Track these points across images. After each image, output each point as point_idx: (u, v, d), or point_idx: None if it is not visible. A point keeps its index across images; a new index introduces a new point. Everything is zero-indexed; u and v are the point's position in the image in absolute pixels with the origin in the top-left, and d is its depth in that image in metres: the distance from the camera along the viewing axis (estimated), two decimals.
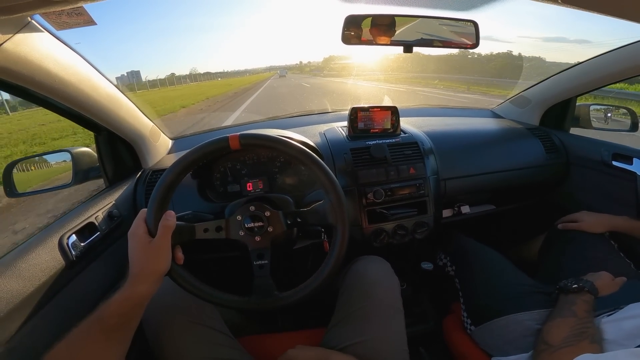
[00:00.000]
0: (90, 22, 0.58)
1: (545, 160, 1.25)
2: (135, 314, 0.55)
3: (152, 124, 1.08)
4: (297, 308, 0.70)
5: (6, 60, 0.55)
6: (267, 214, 0.69)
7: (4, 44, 0.52)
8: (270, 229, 0.69)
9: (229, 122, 8.00)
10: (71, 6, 0.46)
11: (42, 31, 0.61)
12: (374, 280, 0.79)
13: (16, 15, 0.48)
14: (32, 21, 0.57)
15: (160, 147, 1.16)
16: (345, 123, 1.17)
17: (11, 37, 0.53)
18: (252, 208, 0.69)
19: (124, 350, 0.54)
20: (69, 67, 0.69)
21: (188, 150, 0.66)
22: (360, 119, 1.13)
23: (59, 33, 0.63)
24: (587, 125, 1.30)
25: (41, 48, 0.61)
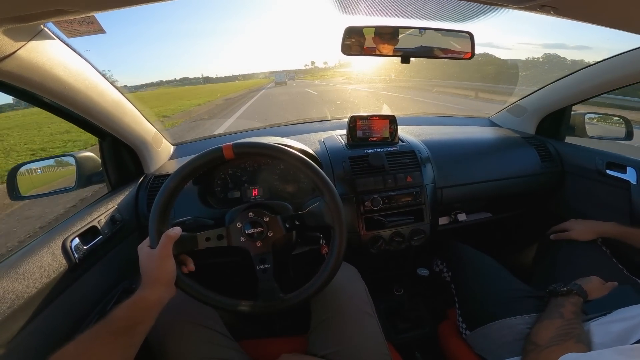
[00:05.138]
0: (100, 30, 0.60)
1: (540, 169, 1.26)
2: (142, 320, 0.57)
3: (154, 130, 1.09)
4: (295, 312, 0.71)
5: (19, 67, 0.57)
6: (266, 219, 0.71)
7: (17, 52, 0.54)
8: (270, 233, 0.71)
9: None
10: (83, 15, 0.48)
11: (53, 39, 0.62)
12: (339, 286, 0.79)
13: (31, 24, 0.50)
14: (45, 29, 0.58)
15: (162, 153, 1.18)
16: (345, 131, 1.19)
17: (25, 44, 0.54)
18: (251, 214, 0.71)
19: (131, 355, 0.56)
20: (78, 74, 0.71)
21: (182, 164, 0.68)
22: (359, 128, 1.15)
23: (69, 40, 0.65)
24: (582, 134, 1.32)
25: (52, 55, 0.63)
